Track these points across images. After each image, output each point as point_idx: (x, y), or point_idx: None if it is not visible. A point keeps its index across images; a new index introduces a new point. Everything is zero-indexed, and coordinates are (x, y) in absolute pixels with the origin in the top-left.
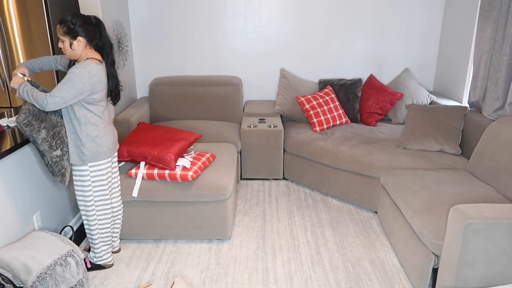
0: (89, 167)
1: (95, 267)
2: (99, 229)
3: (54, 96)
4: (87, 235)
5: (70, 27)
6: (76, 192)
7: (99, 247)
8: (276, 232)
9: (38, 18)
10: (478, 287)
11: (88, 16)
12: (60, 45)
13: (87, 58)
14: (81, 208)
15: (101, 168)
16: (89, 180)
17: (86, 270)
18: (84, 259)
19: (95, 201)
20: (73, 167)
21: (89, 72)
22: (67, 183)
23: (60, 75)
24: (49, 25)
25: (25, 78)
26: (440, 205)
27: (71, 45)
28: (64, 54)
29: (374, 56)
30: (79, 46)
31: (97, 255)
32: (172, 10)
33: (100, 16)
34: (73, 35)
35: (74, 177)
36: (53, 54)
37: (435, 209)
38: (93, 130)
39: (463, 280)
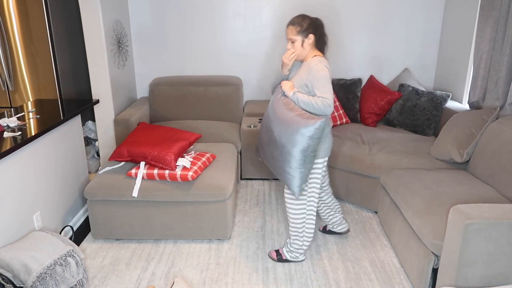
0: (323, 161)
1: (283, 259)
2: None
3: (329, 98)
4: (295, 229)
5: (303, 26)
6: (309, 186)
7: (300, 242)
8: (276, 232)
9: (38, 18)
10: (478, 287)
11: (312, 17)
12: (289, 46)
13: (314, 56)
14: (311, 200)
15: (325, 165)
16: (320, 173)
17: (277, 260)
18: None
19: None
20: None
21: (327, 66)
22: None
23: (59, 70)
24: (49, 25)
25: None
26: (440, 205)
27: (302, 43)
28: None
29: (374, 56)
30: (309, 44)
31: (291, 247)
32: (172, 10)
33: (100, 16)
34: (306, 34)
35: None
36: (53, 54)
37: (435, 209)
38: (328, 126)
39: (463, 280)
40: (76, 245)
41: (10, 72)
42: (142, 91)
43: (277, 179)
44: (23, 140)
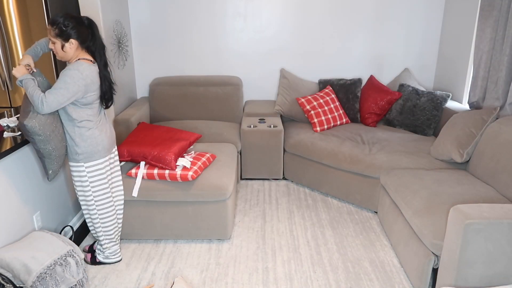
0: (86, 167)
1: (98, 263)
2: (103, 227)
3: (49, 100)
4: (92, 232)
5: (62, 29)
6: (76, 190)
7: (105, 244)
8: (276, 232)
9: (38, 18)
10: (478, 287)
11: (81, 17)
12: (51, 46)
13: (79, 59)
14: (82, 205)
15: (98, 168)
16: (87, 180)
17: (91, 263)
18: (90, 253)
19: (95, 200)
20: (71, 165)
21: (82, 73)
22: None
23: (59, 68)
24: None
25: (30, 70)
26: (440, 205)
27: (63, 47)
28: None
29: (374, 56)
30: (71, 48)
31: (104, 253)
32: (172, 10)
33: (100, 16)
34: (65, 37)
35: (72, 175)
36: (53, 54)
37: (435, 209)
38: (86, 131)
39: (463, 280)
40: (76, 245)
41: (10, 72)
42: (142, 91)
43: (277, 179)
44: (23, 140)
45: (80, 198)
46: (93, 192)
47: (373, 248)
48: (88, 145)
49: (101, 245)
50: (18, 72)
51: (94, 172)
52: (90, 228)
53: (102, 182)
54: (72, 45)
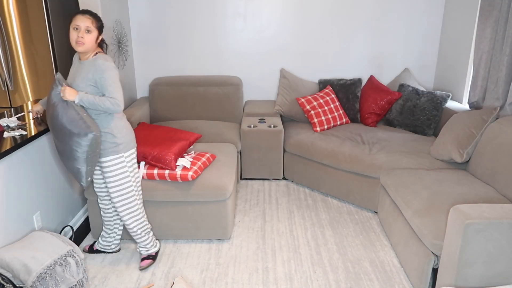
0: (125, 157)
1: (151, 257)
2: (144, 219)
3: (118, 98)
4: (134, 233)
5: (102, 23)
6: (115, 188)
7: (149, 237)
8: (276, 232)
9: (38, 18)
10: (478, 287)
11: None
12: (81, 34)
13: (97, 52)
14: (119, 204)
15: (134, 156)
16: (127, 170)
17: (150, 263)
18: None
19: (136, 189)
20: (108, 161)
21: (112, 63)
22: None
23: (59, 70)
24: (49, 25)
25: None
26: (440, 205)
27: (97, 38)
28: (76, 45)
29: (374, 56)
30: (98, 41)
31: (147, 246)
32: (172, 10)
33: (100, 16)
34: (101, 31)
35: (108, 171)
36: (53, 54)
37: (435, 209)
38: (120, 121)
39: (463, 280)
40: (76, 245)
41: (10, 72)
42: (142, 91)
43: (277, 179)
44: (23, 140)
45: (116, 194)
46: (133, 181)
47: (373, 248)
48: (125, 134)
49: (146, 240)
50: (71, 95)
51: (132, 161)
52: (132, 230)
53: (136, 169)
54: (100, 38)
